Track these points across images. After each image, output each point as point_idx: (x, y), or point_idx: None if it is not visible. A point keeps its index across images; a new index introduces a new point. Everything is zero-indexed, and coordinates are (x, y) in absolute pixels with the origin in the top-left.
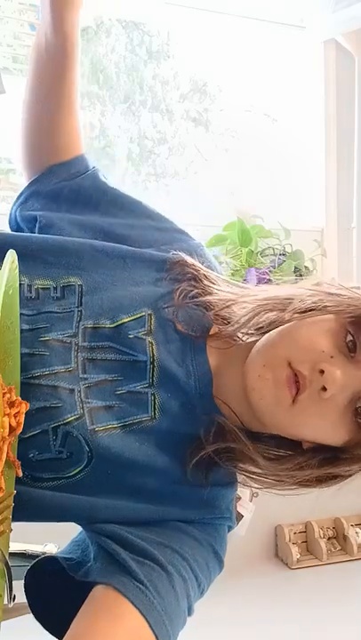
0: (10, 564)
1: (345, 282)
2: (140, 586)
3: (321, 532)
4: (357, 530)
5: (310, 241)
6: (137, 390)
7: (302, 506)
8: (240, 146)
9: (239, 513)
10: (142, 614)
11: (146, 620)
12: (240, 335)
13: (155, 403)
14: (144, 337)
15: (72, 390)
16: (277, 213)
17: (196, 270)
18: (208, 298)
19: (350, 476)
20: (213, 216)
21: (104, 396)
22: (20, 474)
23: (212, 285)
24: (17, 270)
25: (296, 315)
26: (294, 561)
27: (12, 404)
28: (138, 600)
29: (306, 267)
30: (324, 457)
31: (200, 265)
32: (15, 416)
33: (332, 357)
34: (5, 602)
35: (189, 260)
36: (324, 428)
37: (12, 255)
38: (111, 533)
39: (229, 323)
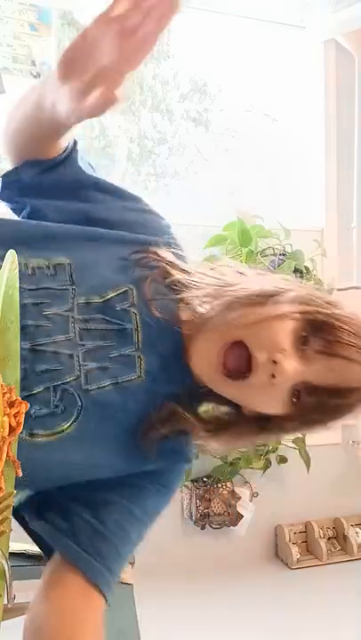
0: (10, 564)
1: (345, 282)
2: (83, 553)
3: (321, 532)
4: (357, 530)
5: (310, 241)
6: (126, 354)
7: (302, 506)
8: (240, 146)
9: (239, 513)
10: (83, 573)
11: (85, 576)
12: (212, 324)
13: (141, 364)
14: (129, 308)
15: (71, 355)
16: (277, 213)
17: (163, 259)
18: (178, 288)
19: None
20: (213, 216)
21: (99, 359)
22: (20, 473)
23: (180, 273)
24: (17, 270)
25: (258, 301)
26: (294, 561)
27: (11, 404)
28: (81, 564)
29: (306, 267)
30: (259, 425)
31: (167, 255)
32: (15, 416)
33: (284, 350)
34: (5, 602)
35: (158, 250)
36: (267, 403)
37: (11, 255)
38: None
39: (196, 303)
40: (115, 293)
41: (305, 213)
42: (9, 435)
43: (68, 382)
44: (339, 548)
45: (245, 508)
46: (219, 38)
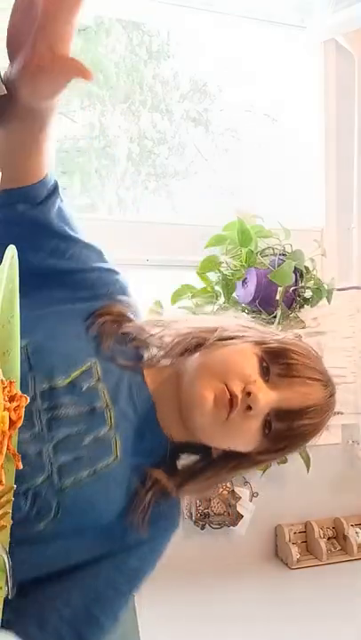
0: (10, 557)
1: (345, 282)
2: None
3: (321, 532)
4: (357, 530)
5: (310, 241)
6: (100, 436)
7: (302, 506)
8: (240, 146)
9: (239, 513)
10: None
11: None
12: (166, 359)
13: (116, 443)
14: (96, 385)
15: (40, 452)
16: (277, 213)
17: (122, 315)
18: (135, 331)
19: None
20: (213, 216)
21: (72, 449)
22: (21, 466)
23: (137, 322)
24: (17, 265)
25: (219, 341)
26: (294, 561)
27: (12, 398)
28: None
29: (306, 267)
30: (234, 464)
31: (126, 310)
32: (15, 410)
33: (255, 381)
34: (6, 594)
35: (115, 308)
36: (243, 439)
37: (11, 250)
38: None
39: (159, 349)
40: (79, 371)
41: (305, 213)
42: (9, 429)
43: (39, 485)
44: (339, 548)
45: (245, 508)
46: (219, 38)
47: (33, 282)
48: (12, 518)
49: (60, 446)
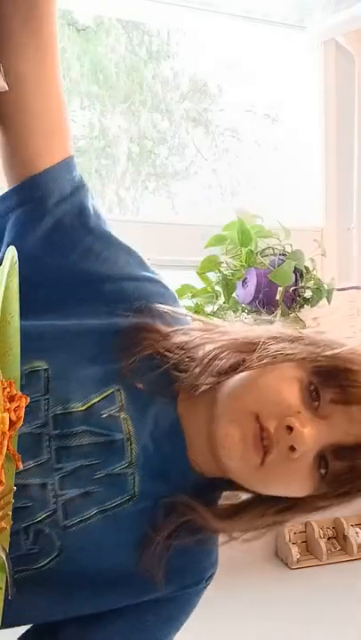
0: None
1: (345, 282)
2: None
3: (321, 532)
4: (357, 530)
5: (310, 241)
6: (116, 472)
7: None
8: (240, 146)
9: None
10: None
11: None
12: (201, 382)
13: (134, 482)
14: (117, 414)
15: (44, 485)
16: (277, 213)
17: (157, 333)
18: (163, 354)
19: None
20: (213, 216)
21: (81, 483)
22: (21, 467)
23: (167, 339)
24: (17, 264)
25: (258, 362)
26: (294, 561)
27: (12, 399)
28: None
29: (306, 267)
30: (283, 505)
31: (164, 329)
32: (15, 410)
33: (299, 413)
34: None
35: (150, 326)
36: (292, 484)
37: (12, 251)
38: None
39: (187, 369)
40: (99, 397)
41: (305, 213)
42: (9, 429)
43: (41, 521)
44: (339, 548)
45: None
46: (219, 38)
47: (59, 291)
48: (11, 557)
49: (68, 479)
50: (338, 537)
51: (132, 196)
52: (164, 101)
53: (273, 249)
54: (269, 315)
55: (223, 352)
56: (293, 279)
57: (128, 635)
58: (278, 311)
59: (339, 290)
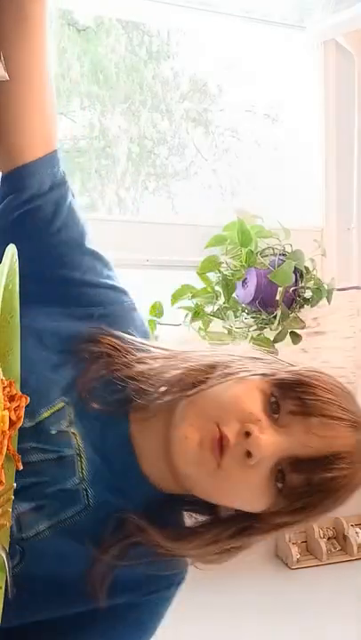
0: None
1: (344, 282)
2: None
3: (321, 532)
4: (357, 530)
5: (310, 241)
6: (67, 488)
7: None
8: (240, 146)
9: None
10: None
11: None
12: (161, 401)
13: (87, 495)
14: (67, 429)
15: None
16: (277, 213)
17: (113, 347)
18: (121, 373)
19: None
20: (213, 216)
21: (33, 498)
22: (21, 467)
23: (127, 357)
24: (17, 264)
25: (220, 379)
26: (294, 561)
27: (12, 398)
28: None
29: (306, 267)
30: (238, 527)
31: (115, 338)
32: (15, 410)
33: (259, 420)
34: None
35: (106, 338)
36: (248, 493)
37: (11, 249)
38: None
39: (147, 393)
40: (49, 412)
41: (305, 213)
42: (9, 428)
43: None
44: (339, 548)
45: None
46: (219, 38)
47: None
48: None
49: (21, 495)
50: (338, 537)
51: (132, 196)
52: (164, 101)
53: (273, 249)
54: (270, 315)
55: (186, 378)
56: (293, 279)
57: (95, 638)
58: (278, 311)
59: (339, 290)
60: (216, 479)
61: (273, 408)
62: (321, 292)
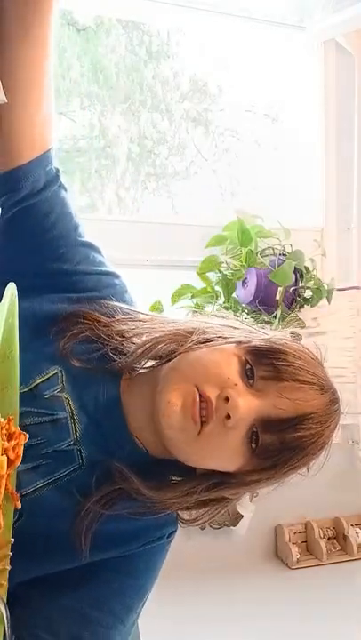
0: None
1: (344, 282)
2: None
3: (321, 532)
4: (357, 530)
5: (310, 241)
6: (63, 449)
7: (302, 506)
8: (240, 146)
9: (239, 513)
10: None
11: None
12: (140, 364)
13: (81, 454)
14: (59, 394)
15: None
16: (277, 213)
17: (95, 320)
18: (101, 332)
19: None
20: (213, 216)
21: (30, 459)
22: (19, 506)
23: (109, 327)
24: (16, 300)
25: (196, 345)
26: (294, 561)
27: (10, 437)
28: None
29: (306, 267)
30: (212, 482)
31: (101, 317)
32: (14, 449)
33: (235, 385)
34: None
35: (89, 313)
36: (225, 456)
37: (12, 287)
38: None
39: (125, 352)
40: (42, 379)
41: (305, 213)
42: (8, 467)
43: None
44: (339, 548)
45: (245, 507)
46: (219, 38)
47: (13, 277)
48: None
49: None
50: (338, 537)
51: (132, 196)
52: (164, 101)
53: (273, 249)
54: (269, 315)
55: (164, 339)
56: (293, 279)
57: (95, 590)
58: (278, 311)
59: (339, 290)
60: (196, 445)
61: (248, 374)
62: (321, 292)
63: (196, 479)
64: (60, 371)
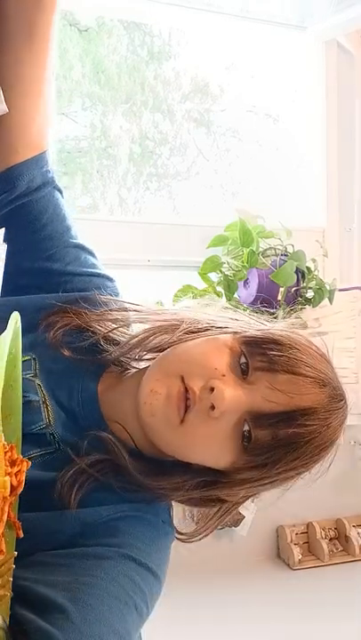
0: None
1: (346, 282)
2: None
3: (323, 532)
4: (359, 530)
5: (312, 241)
6: (35, 432)
7: (304, 507)
8: (242, 146)
9: (240, 514)
10: None
11: None
12: (129, 358)
13: (54, 437)
14: (33, 379)
15: None
16: (279, 214)
17: (79, 315)
18: (90, 323)
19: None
20: (215, 216)
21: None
22: (21, 535)
23: (100, 317)
24: (20, 331)
25: (187, 335)
26: (296, 562)
27: (13, 463)
28: None
29: (308, 267)
30: (203, 479)
31: (84, 312)
32: (16, 475)
33: (223, 376)
34: None
35: (73, 309)
36: (211, 449)
37: (15, 317)
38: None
39: (115, 343)
40: None
41: (306, 213)
42: (10, 494)
43: None
44: (341, 548)
45: (247, 508)
46: (220, 39)
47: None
48: None
49: None
50: (340, 538)
51: (134, 196)
52: (165, 102)
53: (275, 249)
54: (271, 315)
55: (156, 331)
56: (295, 279)
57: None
58: (280, 312)
59: (340, 290)
60: (179, 434)
61: (243, 367)
62: (323, 293)
63: (189, 473)
64: (34, 359)
